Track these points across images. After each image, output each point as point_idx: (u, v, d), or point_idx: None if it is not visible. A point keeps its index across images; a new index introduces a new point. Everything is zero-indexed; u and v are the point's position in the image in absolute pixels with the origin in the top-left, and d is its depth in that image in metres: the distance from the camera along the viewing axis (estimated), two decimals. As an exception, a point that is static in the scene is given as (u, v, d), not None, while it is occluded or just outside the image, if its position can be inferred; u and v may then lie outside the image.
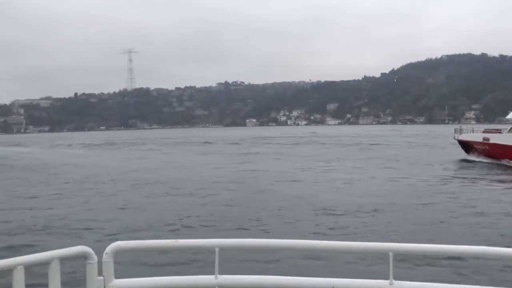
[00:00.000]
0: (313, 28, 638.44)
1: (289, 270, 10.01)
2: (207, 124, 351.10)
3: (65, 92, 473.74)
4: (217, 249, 3.88)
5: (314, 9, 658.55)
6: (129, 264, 9.22)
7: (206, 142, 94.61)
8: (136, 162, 50.86)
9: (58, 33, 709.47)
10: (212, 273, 3.89)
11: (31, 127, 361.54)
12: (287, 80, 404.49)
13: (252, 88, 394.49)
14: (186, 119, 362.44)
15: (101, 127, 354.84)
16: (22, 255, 3.55)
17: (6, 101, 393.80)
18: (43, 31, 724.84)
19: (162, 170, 40.87)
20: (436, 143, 74.03)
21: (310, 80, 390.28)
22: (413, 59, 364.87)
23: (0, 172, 42.08)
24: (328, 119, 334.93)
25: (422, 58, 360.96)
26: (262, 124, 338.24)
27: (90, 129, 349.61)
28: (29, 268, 3.45)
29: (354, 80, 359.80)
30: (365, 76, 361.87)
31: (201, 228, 18.39)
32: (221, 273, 3.89)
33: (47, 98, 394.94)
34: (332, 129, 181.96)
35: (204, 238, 4.13)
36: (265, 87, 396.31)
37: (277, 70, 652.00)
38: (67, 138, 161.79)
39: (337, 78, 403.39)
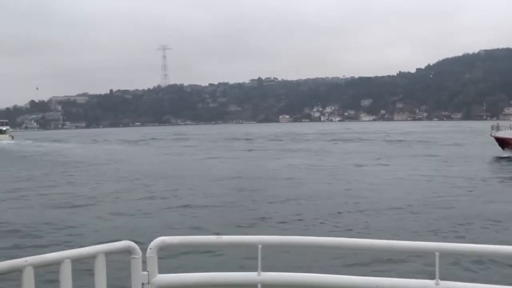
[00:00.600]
0: (347, 23, 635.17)
1: (332, 269, 8.94)
2: (241, 120, 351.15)
3: (101, 88, 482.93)
4: (260, 246, 3.85)
5: (348, 4, 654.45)
6: (172, 259, 9.35)
7: (248, 139, 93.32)
8: (189, 159, 49.73)
9: (95, 31, 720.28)
10: (255, 269, 3.87)
11: (68, 123, 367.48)
12: (320, 76, 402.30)
13: (285, 84, 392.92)
14: (219, 115, 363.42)
15: (136, 123, 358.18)
16: (69, 249, 3.64)
17: (45, 97, 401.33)
18: (80, 29, 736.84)
19: (218, 167, 39.87)
20: (476, 140, 71.81)
21: (343, 76, 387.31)
22: (450, 55, 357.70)
23: (54, 168, 41.81)
24: (362, 115, 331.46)
25: (459, 53, 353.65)
26: (295, 120, 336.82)
27: (125, 125, 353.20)
28: (75, 261, 3.51)
29: (388, 76, 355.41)
30: (400, 71, 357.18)
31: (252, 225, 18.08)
32: (263, 270, 3.86)
33: (84, 94, 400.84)
34: (370, 125, 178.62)
35: (247, 234, 4.26)
36: (298, 83, 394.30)
37: (310, 66, 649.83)
38: (106, 134, 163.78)
39: (371, 73, 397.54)
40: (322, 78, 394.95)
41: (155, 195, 25.37)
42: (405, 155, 48.32)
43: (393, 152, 52.23)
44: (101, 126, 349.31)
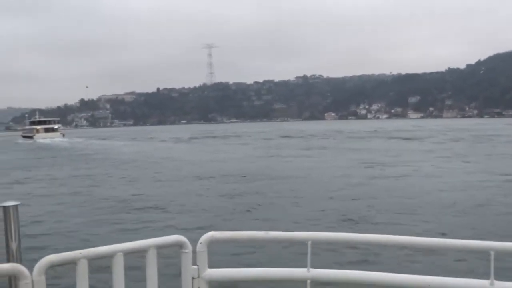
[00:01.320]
0: (394, 19, 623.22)
1: (383, 266, 9.10)
2: (286, 118, 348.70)
3: (148, 87, 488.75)
4: (309, 242, 3.83)
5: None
6: (221, 254, 9.20)
7: (302, 137, 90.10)
8: (265, 158, 46.38)
9: (142, 30, 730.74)
10: (304, 266, 3.86)
11: (116, 121, 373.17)
12: (366, 73, 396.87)
13: (330, 81, 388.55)
14: (264, 113, 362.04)
15: (182, 121, 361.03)
16: (122, 243, 3.71)
17: (94, 96, 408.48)
18: (128, 28, 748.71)
19: (292, 168, 36.76)
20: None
21: (390, 72, 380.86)
22: (502, 50, 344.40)
23: (118, 166, 40.57)
24: (409, 112, 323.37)
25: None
26: (341, 117, 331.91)
27: (172, 122, 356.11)
28: (127, 255, 3.62)
29: (437, 72, 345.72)
30: (449, 67, 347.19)
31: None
32: (313, 266, 3.85)
33: (131, 93, 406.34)
34: (421, 123, 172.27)
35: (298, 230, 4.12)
36: (344, 80, 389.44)
37: (356, 63, 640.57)
38: (156, 132, 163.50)
39: (418, 70, 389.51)
40: (368, 75, 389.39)
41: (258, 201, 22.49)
42: (490, 154, 44.26)
43: (473, 151, 48.11)
44: (148, 124, 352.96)
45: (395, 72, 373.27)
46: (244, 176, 30.80)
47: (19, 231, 3.56)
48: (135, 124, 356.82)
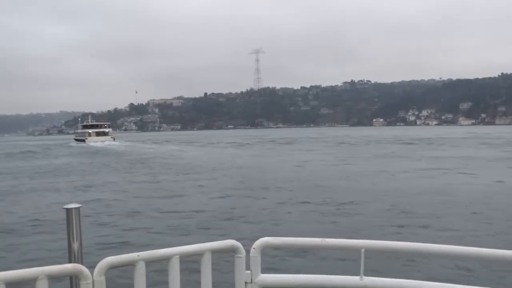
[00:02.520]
0: (444, 23, 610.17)
1: (438, 277, 9.12)
2: (333, 124, 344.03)
3: (196, 92, 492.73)
4: (362, 250, 3.80)
5: (445, 4, 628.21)
6: (274, 259, 9.21)
7: (366, 142, 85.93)
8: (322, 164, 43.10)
9: (190, 35, 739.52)
10: (356, 273, 3.83)
11: (164, 125, 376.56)
12: (415, 79, 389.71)
13: (378, 86, 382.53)
14: (311, 118, 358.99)
15: (229, 126, 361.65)
16: (178, 246, 3.78)
17: (143, 100, 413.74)
18: (177, 33, 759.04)
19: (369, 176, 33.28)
20: None
21: (440, 78, 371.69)
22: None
23: (180, 173, 38.20)
24: (460, 119, 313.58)
25: None
26: (389, 124, 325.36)
27: (219, 127, 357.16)
28: (183, 258, 3.69)
29: (490, 78, 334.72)
30: (502, 73, 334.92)
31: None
32: (366, 274, 3.83)
33: (179, 98, 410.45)
34: (478, 130, 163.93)
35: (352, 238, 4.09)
36: (392, 85, 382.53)
37: (405, 68, 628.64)
38: (209, 136, 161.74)
39: (470, 75, 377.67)
40: (417, 81, 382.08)
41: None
42: None
43: None
44: (195, 129, 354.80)
45: (445, 78, 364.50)
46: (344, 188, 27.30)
47: (80, 233, 3.69)
48: (182, 129, 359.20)
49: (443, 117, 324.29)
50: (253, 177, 33.18)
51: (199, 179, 32.94)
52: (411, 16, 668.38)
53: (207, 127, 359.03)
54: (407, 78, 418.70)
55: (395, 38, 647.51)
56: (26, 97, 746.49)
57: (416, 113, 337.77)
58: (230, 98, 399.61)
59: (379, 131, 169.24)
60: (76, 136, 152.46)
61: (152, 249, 3.74)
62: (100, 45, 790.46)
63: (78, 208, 3.68)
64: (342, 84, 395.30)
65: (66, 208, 3.68)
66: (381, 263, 8.72)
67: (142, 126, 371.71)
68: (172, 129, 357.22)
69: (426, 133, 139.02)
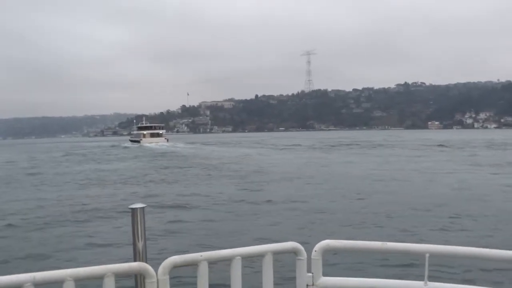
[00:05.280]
0: (502, 22, 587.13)
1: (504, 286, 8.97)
2: (386, 126, 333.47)
3: (247, 94, 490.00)
4: (427, 255, 3.74)
5: (503, 2, 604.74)
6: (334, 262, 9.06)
7: (441, 145, 77.64)
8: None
9: (242, 37, 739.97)
10: (420, 278, 3.78)
11: (215, 127, 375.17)
12: (472, 80, 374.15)
13: (433, 89, 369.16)
14: (363, 121, 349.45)
15: (280, 128, 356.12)
16: (240, 247, 3.79)
17: (194, 102, 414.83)
18: (228, 36, 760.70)
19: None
20: None
21: (498, 80, 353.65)
22: None
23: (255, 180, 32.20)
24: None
25: None
26: (446, 127, 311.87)
27: (270, 129, 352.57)
28: (245, 259, 3.69)
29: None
30: None
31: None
32: (430, 280, 3.75)
33: (230, 100, 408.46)
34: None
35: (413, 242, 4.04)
36: (447, 87, 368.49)
37: (460, 70, 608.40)
38: (268, 138, 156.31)
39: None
40: (474, 82, 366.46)
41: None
42: None
43: None
44: (246, 131, 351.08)
45: (503, 79, 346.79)
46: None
47: (145, 232, 3.73)
48: (233, 131, 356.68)
49: (502, 120, 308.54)
50: (404, 197, 23.18)
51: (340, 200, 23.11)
52: (466, 15, 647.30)
53: (258, 129, 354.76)
54: (463, 79, 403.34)
55: (449, 38, 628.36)
56: (81, 99, 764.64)
57: (474, 115, 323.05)
58: (281, 100, 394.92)
59: (452, 134, 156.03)
60: (131, 137, 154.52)
61: (215, 250, 3.76)
62: (152, 47, 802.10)
63: (143, 208, 3.72)
64: (395, 86, 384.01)
65: (132, 208, 3.71)
66: (446, 268, 9.25)
67: (194, 128, 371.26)
68: (224, 131, 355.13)
69: (500, 136, 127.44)
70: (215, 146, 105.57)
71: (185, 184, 30.87)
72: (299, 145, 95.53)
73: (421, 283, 3.73)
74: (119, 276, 3.32)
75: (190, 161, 54.19)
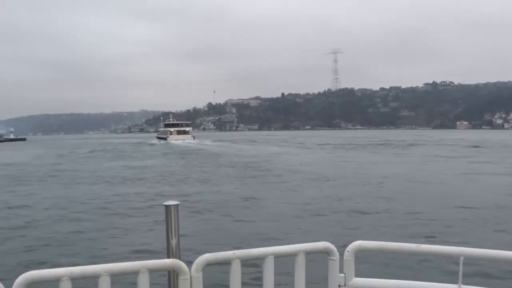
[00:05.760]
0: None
1: None
2: (414, 126, 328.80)
3: (273, 92, 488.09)
4: (462, 258, 3.70)
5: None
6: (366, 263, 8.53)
7: (476, 146, 74.93)
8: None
9: (268, 35, 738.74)
10: (454, 282, 3.75)
11: (241, 125, 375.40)
12: (502, 80, 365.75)
13: (462, 88, 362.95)
14: (391, 120, 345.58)
15: (306, 127, 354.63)
16: (273, 246, 3.81)
17: (221, 100, 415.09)
18: (255, 33, 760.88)
19: None
20: None
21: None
22: None
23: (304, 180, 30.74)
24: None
25: None
26: (475, 127, 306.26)
27: (295, 128, 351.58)
28: (278, 258, 3.71)
29: None
30: None
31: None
32: (464, 283, 3.72)
33: (256, 98, 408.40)
34: None
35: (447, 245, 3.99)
36: (477, 87, 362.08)
37: (490, 69, 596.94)
38: (296, 137, 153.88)
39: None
40: (504, 82, 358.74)
41: None
42: None
43: None
44: (272, 129, 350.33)
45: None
46: None
47: (178, 229, 3.73)
48: (259, 129, 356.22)
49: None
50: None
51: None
52: (495, 13, 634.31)
53: (284, 127, 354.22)
54: (493, 79, 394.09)
55: (479, 37, 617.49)
56: (108, 96, 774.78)
57: (504, 116, 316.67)
58: (308, 99, 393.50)
59: (484, 135, 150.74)
60: (158, 134, 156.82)
61: (248, 248, 3.79)
62: (178, 45, 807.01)
63: (177, 205, 3.72)
64: (423, 85, 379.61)
65: (165, 205, 3.71)
66: (481, 272, 8.84)
67: (220, 126, 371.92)
68: (250, 129, 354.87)
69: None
70: (243, 144, 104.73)
71: (218, 183, 30.09)
72: (328, 144, 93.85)
73: (455, 286, 3.70)
74: (153, 272, 3.38)
75: (221, 159, 53.23)
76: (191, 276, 3.46)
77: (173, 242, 3.65)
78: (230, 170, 39.80)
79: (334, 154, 61.83)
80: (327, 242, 3.84)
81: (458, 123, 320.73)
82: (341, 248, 3.84)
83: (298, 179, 31.13)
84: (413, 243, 3.96)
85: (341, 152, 66.63)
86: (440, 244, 4.00)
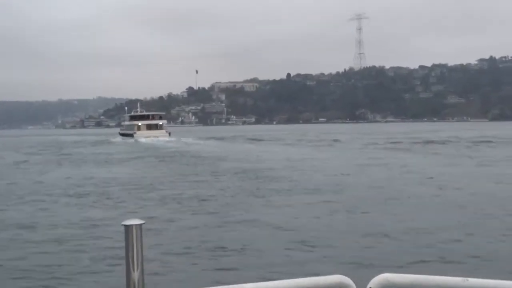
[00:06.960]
0: None
1: None
2: (465, 117, 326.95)
3: (275, 72, 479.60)
4: None
5: None
6: None
7: None
8: None
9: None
10: None
11: (233, 117, 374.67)
12: None
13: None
14: (434, 110, 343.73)
15: (320, 119, 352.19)
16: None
17: (205, 84, 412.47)
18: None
19: None
20: None
21: None
22: None
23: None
24: None
25: None
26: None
27: (306, 121, 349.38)
28: None
29: None
30: None
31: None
32: None
33: (253, 80, 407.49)
34: None
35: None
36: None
37: None
38: (306, 131, 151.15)
39: None
40: None
41: None
42: None
43: None
44: (274, 122, 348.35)
45: None
46: None
47: (142, 257, 3.86)
48: (257, 122, 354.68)
49: None
50: None
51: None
52: None
53: (290, 120, 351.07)
54: None
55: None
56: (54, 78, 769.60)
57: None
58: (322, 81, 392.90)
59: None
60: (121, 129, 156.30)
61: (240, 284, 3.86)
62: (147, 8, 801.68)
63: (140, 225, 3.74)
64: (477, 62, 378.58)
65: (125, 225, 3.73)
66: None
67: (204, 118, 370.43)
68: (244, 123, 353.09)
69: None
70: (239, 143, 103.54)
71: (225, 205, 27.87)
72: (375, 143, 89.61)
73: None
74: None
75: (219, 167, 49.59)
76: None
77: (135, 275, 3.66)
78: (236, 181, 37.63)
79: (376, 157, 58.05)
80: (342, 276, 3.87)
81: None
82: (361, 281, 3.89)
83: (349, 196, 29.16)
84: (459, 276, 3.94)
85: (384, 152, 65.56)
86: (495, 278, 3.98)
